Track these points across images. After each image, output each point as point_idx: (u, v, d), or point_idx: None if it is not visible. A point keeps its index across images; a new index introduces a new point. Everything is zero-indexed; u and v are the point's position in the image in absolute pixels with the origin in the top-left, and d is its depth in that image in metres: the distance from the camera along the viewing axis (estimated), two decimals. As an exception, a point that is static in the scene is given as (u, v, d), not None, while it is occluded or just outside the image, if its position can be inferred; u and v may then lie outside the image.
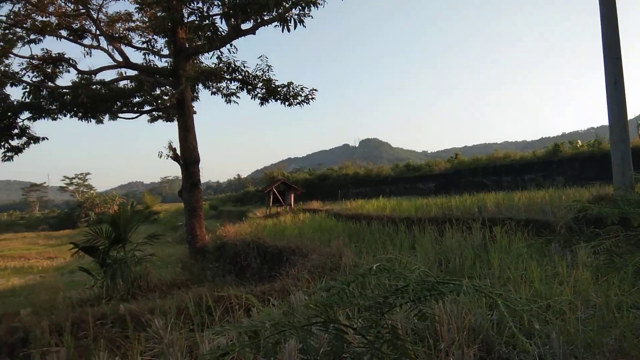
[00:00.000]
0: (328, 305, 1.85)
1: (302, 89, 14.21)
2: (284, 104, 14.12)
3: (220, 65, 13.37)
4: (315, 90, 14.16)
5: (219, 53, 12.67)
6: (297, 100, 14.12)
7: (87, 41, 14.07)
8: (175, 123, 14.18)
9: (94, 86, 15.23)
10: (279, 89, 14.04)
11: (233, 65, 13.43)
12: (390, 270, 1.99)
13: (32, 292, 14.78)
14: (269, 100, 14.27)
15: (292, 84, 14.10)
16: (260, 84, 14.09)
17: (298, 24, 10.57)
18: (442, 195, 22.28)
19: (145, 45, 14.88)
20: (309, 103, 14.00)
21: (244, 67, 13.76)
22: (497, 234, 7.82)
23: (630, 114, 9.64)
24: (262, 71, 13.94)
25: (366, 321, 1.99)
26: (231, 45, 12.43)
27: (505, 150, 34.37)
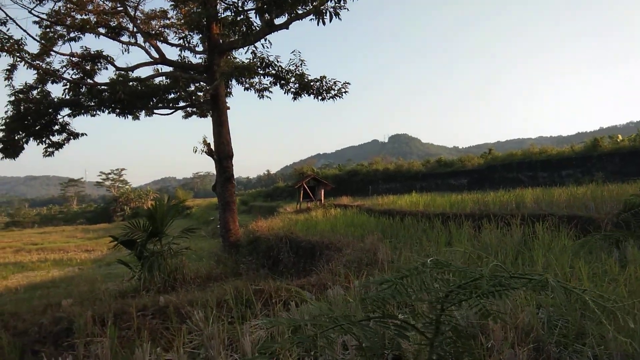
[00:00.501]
0: (385, 300, 1.76)
1: (334, 82, 14.10)
2: (317, 98, 14.08)
3: (254, 60, 13.40)
4: (348, 83, 14.04)
5: (253, 48, 12.72)
6: (330, 95, 14.06)
7: (124, 38, 14.38)
8: (209, 119, 14.31)
9: (131, 83, 15.54)
10: (311, 83, 13.97)
11: (267, 60, 13.41)
12: (445, 264, 1.89)
13: (71, 284, 15.20)
14: (302, 95, 14.25)
15: (325, 78, 14.00)
16: (293, 79, 14.04)
17: (334, 16, 10.45)
18: (475, 191, 21.82)
19: (180, 42, 15.04)
20: (341, 97, 13.93)
21: (277, 61, 13.75)
22: (538, 231, 7.55)
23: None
24: (295, 66, 13.91)
25: (420, 317, 1.90)
26: (265, 39, 12.45)
27: (541, 146, 33.38)
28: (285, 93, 14.35)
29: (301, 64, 13.88)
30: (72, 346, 4.19)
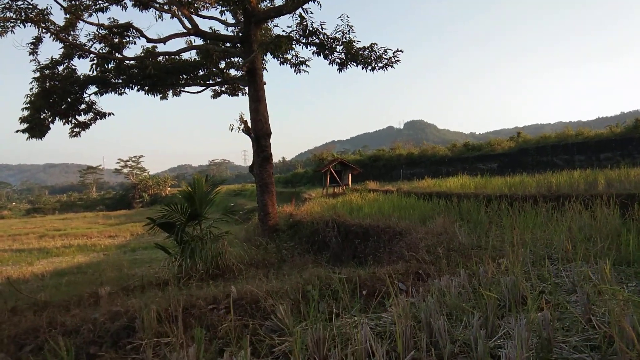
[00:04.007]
0: None
1: (385, 51, 12.87)
2: (365, 68, 12.83)
3: (296, 29, 12.27)
4: (401, 51, 12.75)
5: (298, 13, 11.61)
6: (381, 64, 12.85)
7: (152, 11, 13.39)
8: (237, 99, 13.42)
9: (160, 58, 14.67)
10: (360, 52, 12.83)
11: (310, 28, 12.35)
12: None
13: (98, 269, 14.75)
14: (349, 65, 13.13)
15: (375, 45, 12.79)
16: (339, 47, 12.91)
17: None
18: (508, 175, 20.68)
19: (213, 15, 14.10)
20: (392, 66, 12.68)
21: (322, 29, 12.63)
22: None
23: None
24: (342, 32, 12.72)
25: None
26: (314, 1, 11.27)
27: (577, 128, 31.81)
28: (330, 64, 13.15)
29: (349, 31, 12.67)
30: (136, 349, 3.37)
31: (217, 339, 3.44)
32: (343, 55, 12.99)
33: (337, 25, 12.75)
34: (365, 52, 12.86)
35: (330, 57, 13.09)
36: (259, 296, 3.91)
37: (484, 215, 8.66)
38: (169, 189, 78.22)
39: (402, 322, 2.83)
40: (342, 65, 13.18)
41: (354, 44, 12.81)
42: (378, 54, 12.86)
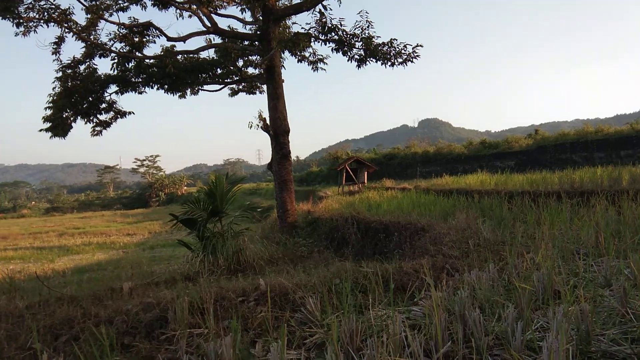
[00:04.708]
0: None
1: (405, 46, 12.76)
2: (385, 64, 12.76)
3: (315, 26, 12.24)
4: (420, 46, 12.68)
5: (317, 10, 11.58)
6: (400, 60, 12.73)
7: (172, 10, 13.55)
8: (253, 98, 13.48)
9: (179, 57, 14.78)
10: (379, 48, 12.72)
11: (329, 25, 12.29)
12: None
13: (118, 266, 14.95)
14: (368, 61, 13.03)
15: (395, 40, 12.68)
16: (359, 43, 12.82)
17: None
18: (526, 172, 20.46)
19: (232, 13, 14.16)
20: (412, 62, 12.57)
21: (341, 25, 12.57)
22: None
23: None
24: (362, 29, 12.64)
25: None
26: None
27: (597, 125, 31.33)
28: (348, 60, 13.05)
29: (368, 27, 12.59)
30: (169, 339, 3.40)
31: (248, 330, 3.47)
32: (362, 52, 12.91)
33: (356, 21, 12.71)
34: (385, 48, 12.76)
35: (349, 54, 13.03)
36: (288, 288, 3.92)
37: (507, 211, 8.58)
38: (185, 188, 79.01)
39: (438, 313, 2.82)
40: (361, 62, 13.10)
41: (373, 39, 12.72)
42: (397, 49, 12.74)
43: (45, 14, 12.12)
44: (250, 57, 16.12)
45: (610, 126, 30.71)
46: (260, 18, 13.57)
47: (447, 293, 3.74)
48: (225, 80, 16.50)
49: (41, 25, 12.46)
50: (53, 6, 11.98)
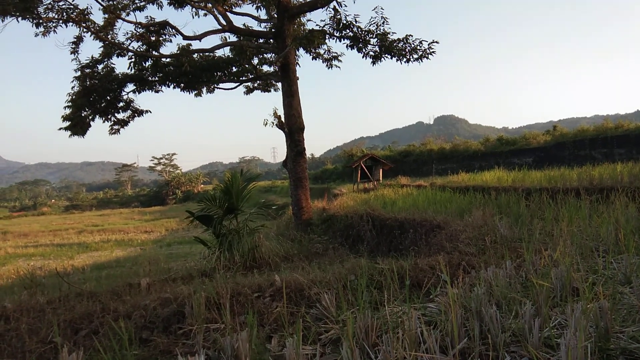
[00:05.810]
0: None
1: (420, 42, 12.66)
2: (400, 60, 12.70)
3: (329, 22, 12.20)
4: (436, 42, 12.57)
5: (332, 7, 11.54)
6: (416, 56, 12.63)
7: (187, 9, 13.64)
8: (268, 95, 13.54)
9: (195, 55, 14.91)
10: (394, 44, 12.64)
11: (344, 22, 12.26)
12: None
13: (136, 263, 15.11)
14: (383, 58, 12.96)
15: (410, 37, 12.61)
16: (374, 40, 12.75)
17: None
18: (544, 169, 20.14)
19: (248, 12, 14.18)
20: (428, 58, 12.50)
21: (356, 21, 12.52)
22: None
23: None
24: (377, 25, 12.57)
25: None
26: None
27: (617, 121, 30.66)
28: (363, 57, 13.03)
29: (383, 23, 12.52)
30: (186, 334, 3.45)
31: (264, 325, 3.49)
32: (377, 48, 12.84)
33: (371, 17, 12.63)
34: (400, 44, 12.68)
35: (364, 50, 12.96)
36: (304, 285, 3.94)
37: (525, 208, 8.47)
38: (201, 186, 79.68)
39: (454, 310, 2.80)
40: (376, 58, 13.03)
41: (388, 36, 12.64)
42: (413, 45, 12.66)
43: (64, 14, 12.33)
44: (265, 55, 16.21)
45: (630, 122, 29.99)
46: (275, 15, 13.63)
47: (463, 290, 3.71)
48: (241, 78, 16.60)
49: (60, 26, 12.68)
50: (71, 6, 12.18)
